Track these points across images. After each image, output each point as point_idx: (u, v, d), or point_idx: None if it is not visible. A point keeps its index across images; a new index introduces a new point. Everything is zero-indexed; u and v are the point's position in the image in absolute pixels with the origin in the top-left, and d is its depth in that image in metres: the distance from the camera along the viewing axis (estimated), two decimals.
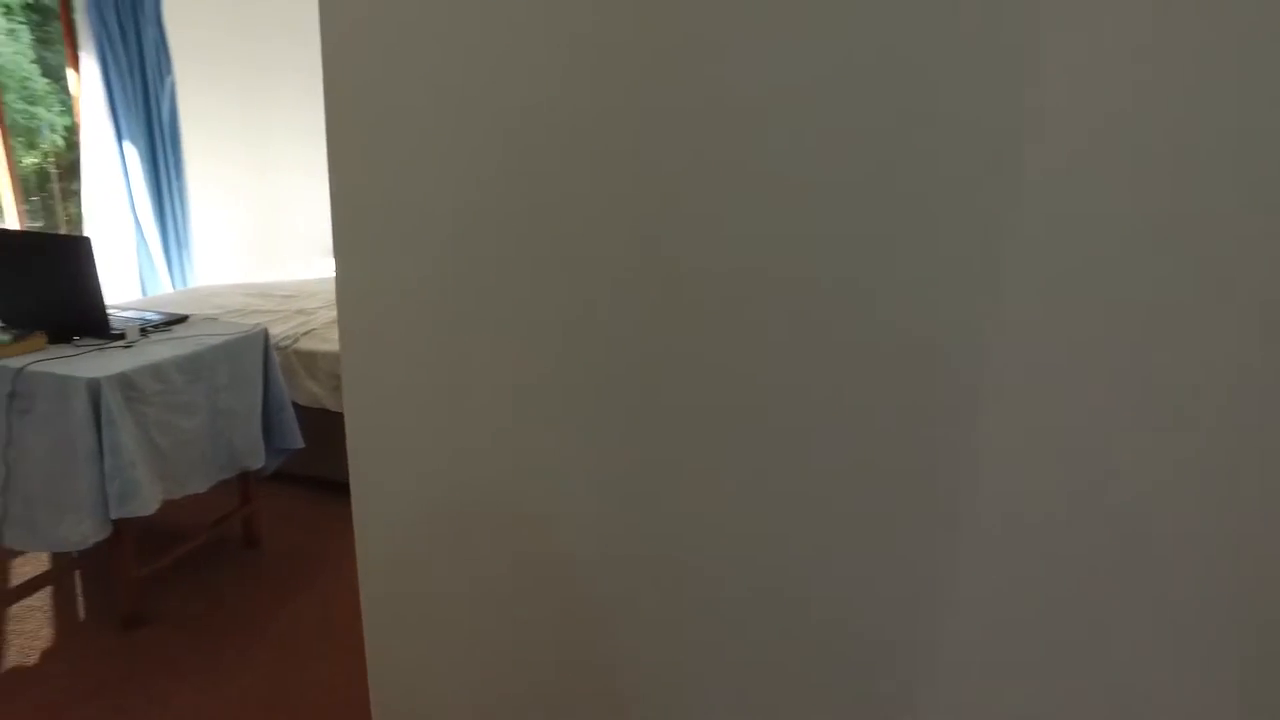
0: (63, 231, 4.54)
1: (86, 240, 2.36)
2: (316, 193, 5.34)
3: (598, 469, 1.11)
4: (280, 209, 5.46)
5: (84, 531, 2.18)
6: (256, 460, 2.67)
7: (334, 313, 3.65)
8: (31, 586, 2.64)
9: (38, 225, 7.01)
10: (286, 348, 3.19)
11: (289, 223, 5.47)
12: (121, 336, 2.46)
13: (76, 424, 2.14)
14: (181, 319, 2.75)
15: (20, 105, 6.97)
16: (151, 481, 2.27)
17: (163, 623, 2.48)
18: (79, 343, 2.41)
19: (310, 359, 3.15)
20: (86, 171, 4.23)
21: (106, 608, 2.52)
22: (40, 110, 7.10)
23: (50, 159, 6.94)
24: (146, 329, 2.57)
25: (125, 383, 2.19)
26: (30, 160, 7.33)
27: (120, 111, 4.22)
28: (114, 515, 2.15)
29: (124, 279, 4.36)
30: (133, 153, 4.29)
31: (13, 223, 4.18)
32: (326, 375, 3.13)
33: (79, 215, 4.35)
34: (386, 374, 1.22)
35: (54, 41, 4.48)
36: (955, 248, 0.85)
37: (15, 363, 2.21)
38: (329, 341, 3.20)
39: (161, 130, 4.45)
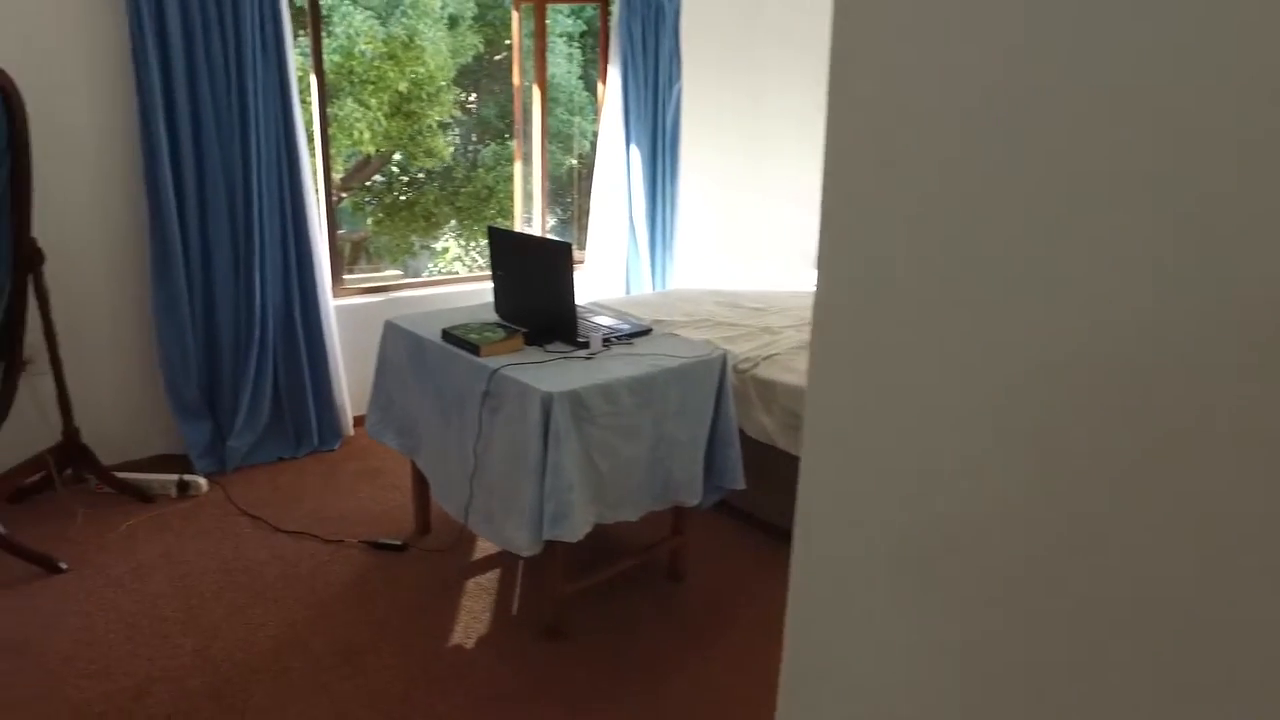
0: (577, 228, 4.97)
1: (566, 247, 2.34)
2: (797, 205, 5.15)
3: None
4: (762, 219, 5.38)
5: (522, 540, 2.15)
6: (692, 496, 2.46)
7: (802, 335, 3.34)
8: (485, 565, 2.78)
9: (560, 219, 8.12)
10: (745, 371, 2.95)
11: (770, 232, 5.37)
12: (585, 345, 2.41)
13: (528, 434, 2.10)
14: (645, 331, 2.64)
15: (564, 115, 8.15)
16: (585, 504, 2.15)
17: (578, 641, 2.40)
18: (548, 349, 2.41)
19: (768, 389, 2.87)
20: (598, 173, 4.54)
21: (533, 611, 2.53)
22: (577, 119, 8.22)
23: (577, 162, 7.96)
24: (610, 339, 2.49)
25: (575, 400, 2.09)
26: (568, 163, 8.59)
27: (631, 118, 4.43)
28: (545, 536, 2.08)
29: (613, 275, 4.61)
30: (636, 157, 4.49)
31: (538, 218, 4.66)
32: (782, 411, 2.81)
33: (589, 213, 4.70)
34: (862, 392, 0.80)
35: (597, 60, 4.89)
36: None
37: (492, 363, 2.25)
38: (792, 372, 2.88)
39: (663, 136, 4.60)
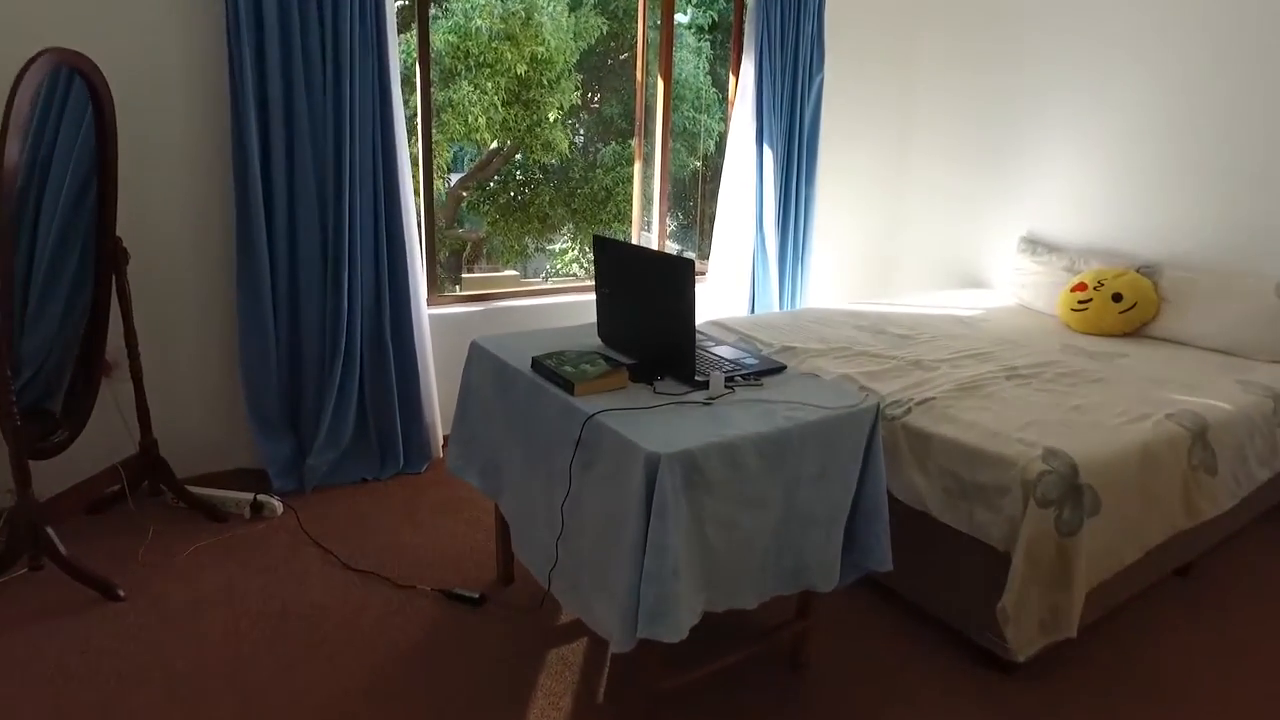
0: (699, 234, 4.53)
1: (688, 265, 1.89)
2: (946, 215, 4.51)
3: None
4: (910, 230, 4.78)
5: (612, 627, 1.72)
6: (827, 581, 1.96)
7: (960, 373, 2.77)
8: (572, 633, 2.37)
9: (681, 224, 7.68)
10: (895, 418, 2.42)
11: (917, 246, 4.76)
12: (704, 386, 1.95)
13: (628, 501, 1.67)
14: (777, 369, 2.15)
15: (690, 113, 7.73)
16: (692, 593, 1.69)
17: None
18: (658, 388, 1.96)
19: (923, 441, 2.33)
20: (726, 176, 4.07)
21: (624, 702, 2.09)
22: (703, 117, 7.79)
23: (702, 164, 7.51)
24: (734, 378, 2.03)
25: (689, 464, 1.63)
26: (691, 164, 8.16)
27: (765, 113, 3.94)
28: (641, 634, 1.63)
29: (737, 290, 4.13)
30: (769, 157, 3.99)
31: (656, 223, 4.23)
32: (940, 471, 2.27)
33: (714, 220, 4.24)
34: None
35: (729, 55, 4.42)
36: None
37: (588, 405, 1.83)
38: (953, 423, 2.33)
39: (801, 134, 4.08)
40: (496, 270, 9.65)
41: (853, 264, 4.72)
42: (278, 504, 2.92)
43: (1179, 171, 3.57)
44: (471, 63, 6.16)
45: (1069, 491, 2.06)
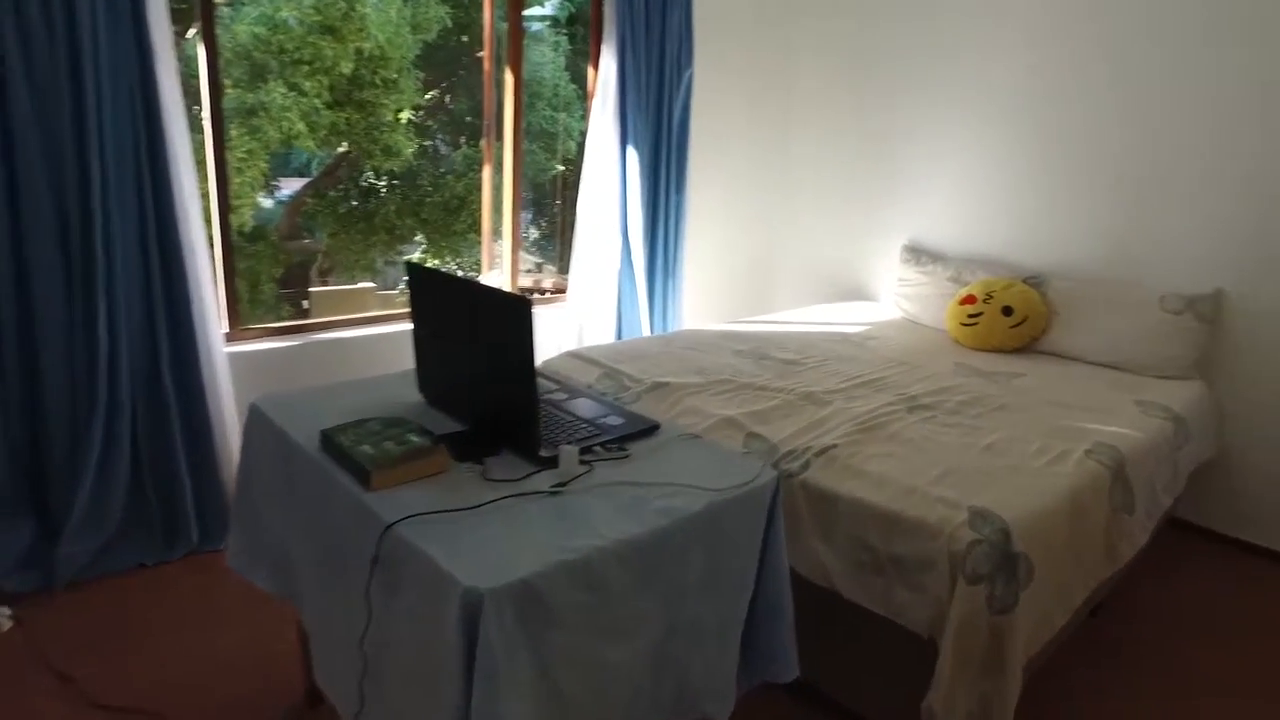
0: (560, 243, 4.05)
1: (525, 306, 1.40)
2: (829, 223, 4.22)
3: None
4: (785, 238, 4.47)
5: None
6: (721, 707, 1.52)
7: (857, 406, 2.42)
8: None
9: (543, 233, 7.16)
10: (791, 475, 2.01)
11: (793, 256, 4.46)
12: (552, 463, 1.47)
13: (444, 652, 1.17)
14: (648, 430, 1.70)
15: (548, 112, 7.24)
16: None
17: None
18: (492, 469, 1.47)
19: (827, 504, 1.94)
20: (586, 182, 3.61)
21: None
22: (563, 116, 7.32)
23: (565, 167, 7.03)
24: (593, 448, 1.56)
25: (526, 596, 1.15)
26: (553, 169, 7.64)
27: (630, 113, 3.51)
28: None
29: (602, 314, 3.68)
30: (634, 161, 3.56)
31: (508, 236, 3.72)
32: (850, 540, 1.88)
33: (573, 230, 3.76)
34: None
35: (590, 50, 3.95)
36: None
37: (388, 506, 1.32)
38: (861, 477, 1.95)
39: (669, 135, 3.68)
40: (354, 282, 8.82)
41: (730, 278, 4.36)
42: (3, 614, 2.23)
43: (1063, 180, 3.38)
44: (286, 59, 5.40)
45: (1002, 562, 1.72)
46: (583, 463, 1.49)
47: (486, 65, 3.85)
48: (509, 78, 3.55)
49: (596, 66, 3.57)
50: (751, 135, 4.24)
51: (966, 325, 3.32)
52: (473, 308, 1.55)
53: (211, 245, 2.73)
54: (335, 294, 8.95)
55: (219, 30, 3.87)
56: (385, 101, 5.95)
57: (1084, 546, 2.03)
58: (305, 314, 8.30)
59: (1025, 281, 3.37)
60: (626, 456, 1.56)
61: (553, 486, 1.40)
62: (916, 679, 1.76)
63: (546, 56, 6.62)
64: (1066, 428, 2.39)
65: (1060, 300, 3.27)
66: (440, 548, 1.20)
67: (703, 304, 4.21)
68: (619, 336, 3.72)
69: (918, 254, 3.82)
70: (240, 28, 4.98)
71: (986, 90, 3.55)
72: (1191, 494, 2.90)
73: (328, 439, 1.51)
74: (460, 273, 8.60)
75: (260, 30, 5.24)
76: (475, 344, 1.57)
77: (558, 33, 6.77)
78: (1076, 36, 3.25)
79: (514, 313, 1.41)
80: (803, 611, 1.67)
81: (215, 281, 2.70)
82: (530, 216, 9.31)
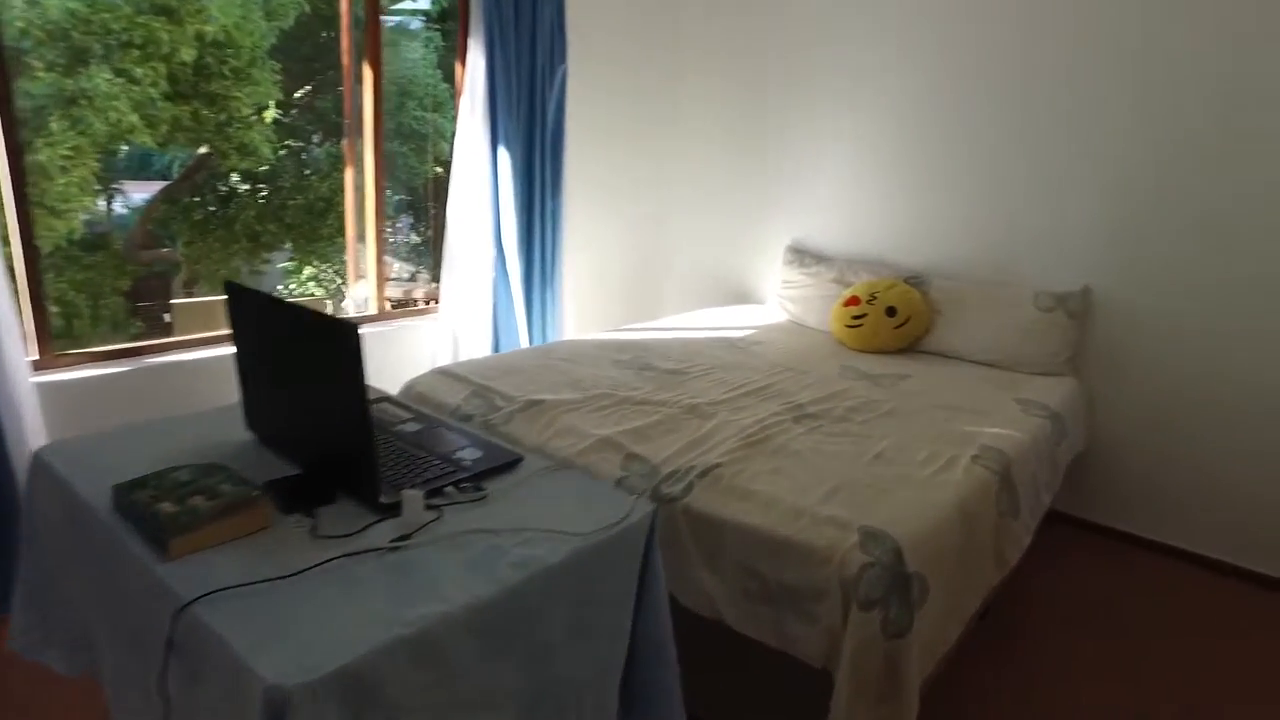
0: (435, 249, 3.79)
1: (349, 332, 1.20)
2: (713, 224, 4.13)
3: None
4: (668, 241, 4.36)
5: None
6: None
7: (744, 417, 2.31)
8: None
9: (423, 238, 6.82)
10: (674, 500, 1.87)
11: (677, 260, 4.35)
12: (395, 511, 1.27)
13: None
14: (509, 464, 1.52)
15: (418, 111, 6.92)
16: None
17: None
18: (323, 523, 1.26)
19: (712, 531, 1.81)
20: (456, 186, 3.38)
21: None
22: (432, 116, 7.00)
23: (440, 169, 6.71)
24: (444, 492, 1.37)
25: (351, 688, 0.96)
26: (432, 170, 7.32)
27: (501, 111, 3.31)
28: None
29: (477, 326, 3.46)
30: (507, 162, 3.37)
31: (371, 247, 3.45)
32: (737, 568, 1.75)
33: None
34: None
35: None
36: None
37: (186, 583, 1.09)
38: (747, 499, 1.83)
39: (544, 135, 3.49)
40: (220, 293, 8.20)
41: (613, 284, 4.21)
42: None
43: (940, 181, 3.39)
44: (112, 42, 4.86)
45: (896, 585, 1.62)
46: (431, 507, 1.30)
47: (345, 60, 3.58)
48: (368, 73, 3.29)
49: (464, 63, 3.35)
50: (632, 135, 4.10)
51: (851, 327, 3.28)
52: (296, 334, 1.34)
53: (10, 260, 2.38)
54: (199, 307, 8.31)
55: (21, 3, 3.41)
56: (238, 95, 5.47)
57: (974, 558, 1.98)
58: (167, 328, 7.71)
59: (907, 282, 3.36)
60: (483, 497, 1.37)
61: (393, 541, 1.20)
62: (812, 711, 1.65)
63: (418, 53, 6.31)
64: (953, 432, 2.35)
65: (941, 300, 3.28)
66: (244, 631, 0.99)
67: (585, 312, 4.05)
68: (496, 349, 3.51)
69: (801, 255, 3.78)
70: (52, 2, 4.40)
71: (868, 92, 3.53)
72: (1065, 486, 2.94)
73: (121, 495, 1.27)
74: (332, 282, 8.14)
75: (78, 6, 4.63)
76: (302, 376, 1.35)
77: (430, 28, 6.47)
78: (954, 40, 3.27)
79: (340, 340, 1.20)
80: (688, 646, 1.53)
81: (17, 300, 2.35)
82: (410, 221, 8.92)
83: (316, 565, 1.13)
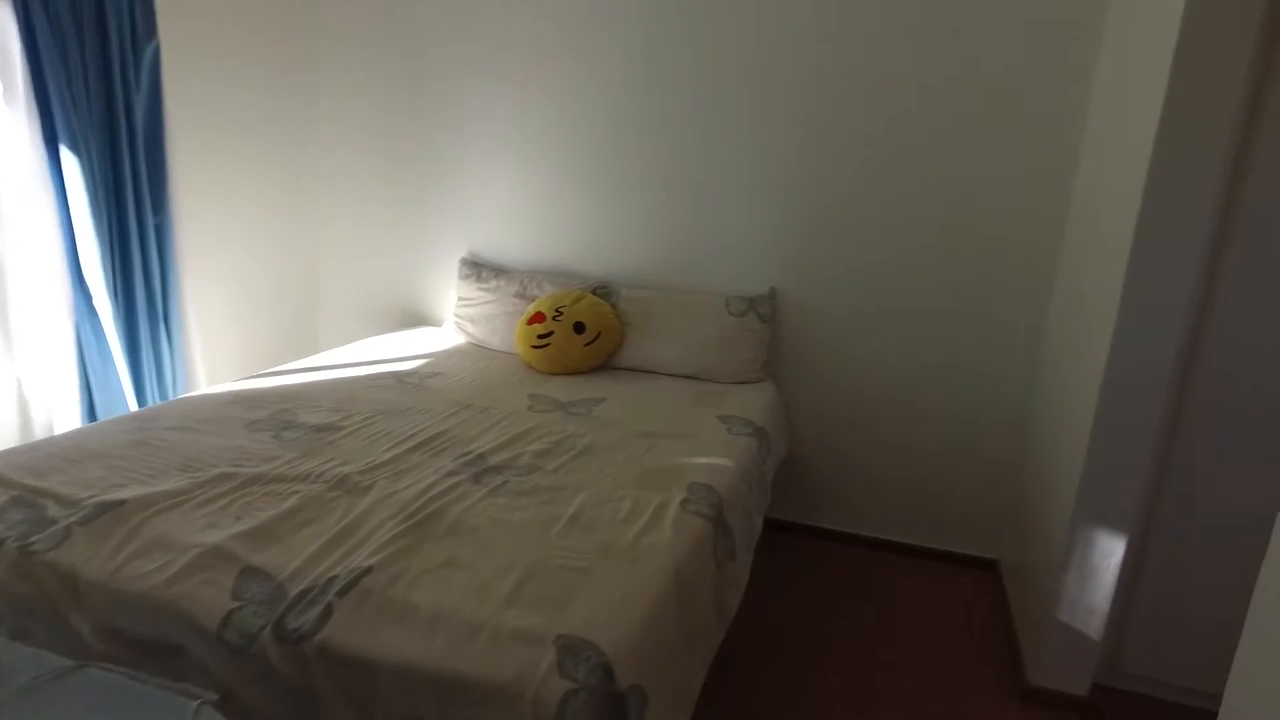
0: None
1: None
2: (378, 237, 3.52)
3: None
4: (324, 259, 3.71)
5: None
6: None
7: (411, 485, 1.83)
8: None
9: None
10: (301, 638, 1.34)
11: (337, 280, 3.72)
12: None
13: None
14: (71, 670, 0.92)
15: None
16: None
17: None
18: None
19: (360, 675, 1.31)
20: (3, 204, 2.49)
21: None
22: None
23: None
24: None
25: None
26: None
27: (57, 99, 2.49)
28: None
29: (59, 390, 2.61)
30: (76, 169, 2.55)
31: None
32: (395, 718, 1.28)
33: None
34: None
35: None
36: None
37: None
38: (406, 622, 1.35)
39: (131, 132, 2.71)
40: None
41: (253, 317, 3.47)
42: None
43: (623, 182, 3.13)
44: None
45: (608, 708, 1.26)
46: None
47: None
48: None
49: None
50: (263, 135, 3.39)
51: (538, 348, 2.92)
52: None
53: None
54: None
55: None
56: None
57: (696, 627, 1.69)
58: None
59: (595, 292, 3.08)
60: None
61: None
62: None
63: None
64: (658, 469, 2.06)
65: (632, 310, 3.03)
66: None
67: (219, 355, 3.28)
68: (92, 417, 2.68)
69: (478, 268, 3.35)
70: None
71: (534, 93, 3.18)
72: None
73: None
74: None
75: None
76: None
77: None
78: (625, 41, 3.00)
79: None
80: None
81: None
82: None
83: None
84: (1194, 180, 1.83)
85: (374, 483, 1.88)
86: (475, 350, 3.19)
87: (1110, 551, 2.09)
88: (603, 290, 3.10)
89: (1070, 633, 2.18)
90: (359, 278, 3.65)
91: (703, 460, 2.14)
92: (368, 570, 1.47)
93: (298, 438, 2.15)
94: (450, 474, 1.95)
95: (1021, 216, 2.67)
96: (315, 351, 3.48)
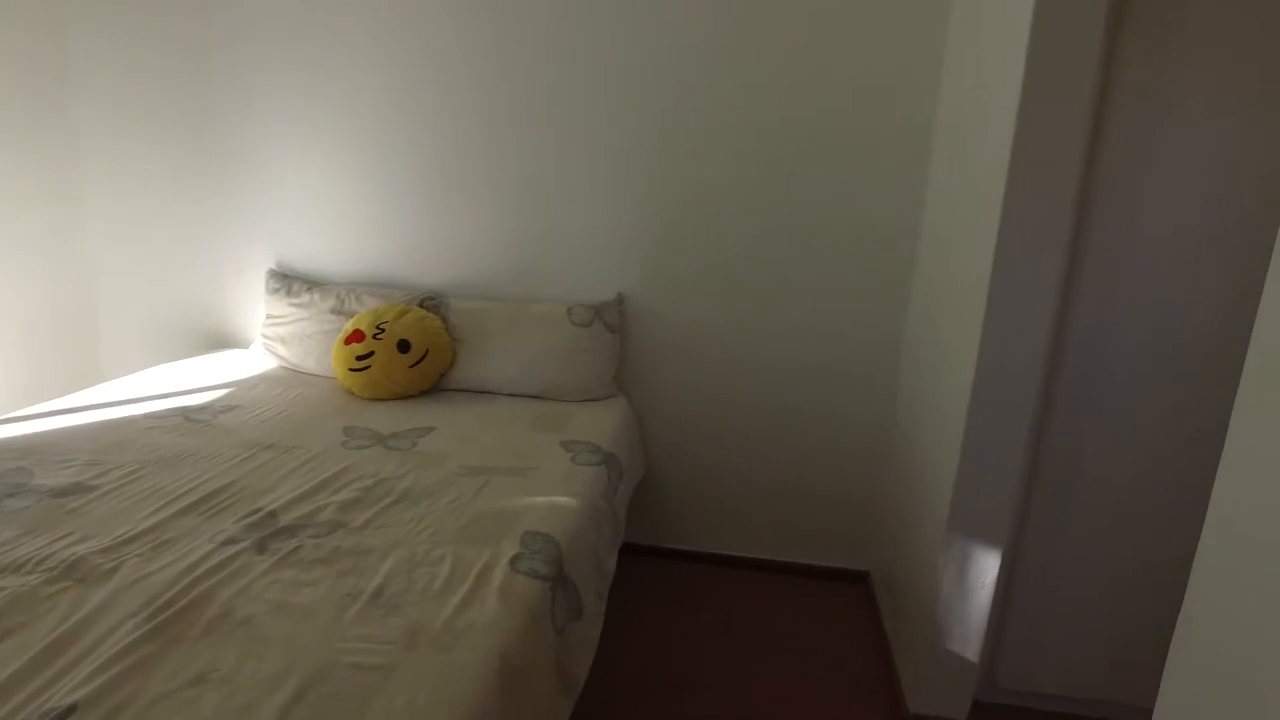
0: None
1: None
2: (167, 249, 2.93)
3: None
4: (101, 276, 3.16)
5: None
6: None
7: (167, 566, 1.44)
8: None
9: None
10: None
11: (119, 300, 3.17)
12: None
13: None
14: None
15: None
16: None
17: None
18: None
19: None
20: None
21: None
22: None
23: None
24: None
25: None
26: None
27: None
28: None
29: None
30: None
31: None
32: None
33: None
34: None
35: None
36: None
37: None
38: None
39: None
40: None
41: (12, 347, 2.90)
42: None
43: (454, 180, 2.77)
44: None
45: None
46: None
47: None
48: None
49: None
50: (29, 134, 2.82)
51: (357, 370, 2.54)
52: None
53: None
54: None
55: None
56: None
57: (532, 708, 1.40)
58: None
59: (422, 305, 2.72)
60: None
61: None
62: None
63: None
64: (488, 515, 1.76)
65: (464, 324, 2.69)
66: None
67: None
68: None
69: (288, 281, 2.92)
70: None
71: (335, 90, 2.77)
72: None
73: None
74: None
75: None
76: None
77: None
78: (455, 28, 2.65)
79: None
80: None
81: None
82: None
83: None
84: (1051, 186, 1.70)
85: (120, 564, 1.48)
86: (286, 375, 2.77)
87: (986, 569, 1.95)
88: (431, 302, 2.75)
89: (949, 657, 2.03)
90: (148, 294, 3.12)
91: (542, 500, 1.85)
92: (70, 711, 1.09)
93: (27, 507, 1.70)
94: (228, 542, 1.58)
95: (879, 221, 2.52)
96: (94, 382, 2.94)
